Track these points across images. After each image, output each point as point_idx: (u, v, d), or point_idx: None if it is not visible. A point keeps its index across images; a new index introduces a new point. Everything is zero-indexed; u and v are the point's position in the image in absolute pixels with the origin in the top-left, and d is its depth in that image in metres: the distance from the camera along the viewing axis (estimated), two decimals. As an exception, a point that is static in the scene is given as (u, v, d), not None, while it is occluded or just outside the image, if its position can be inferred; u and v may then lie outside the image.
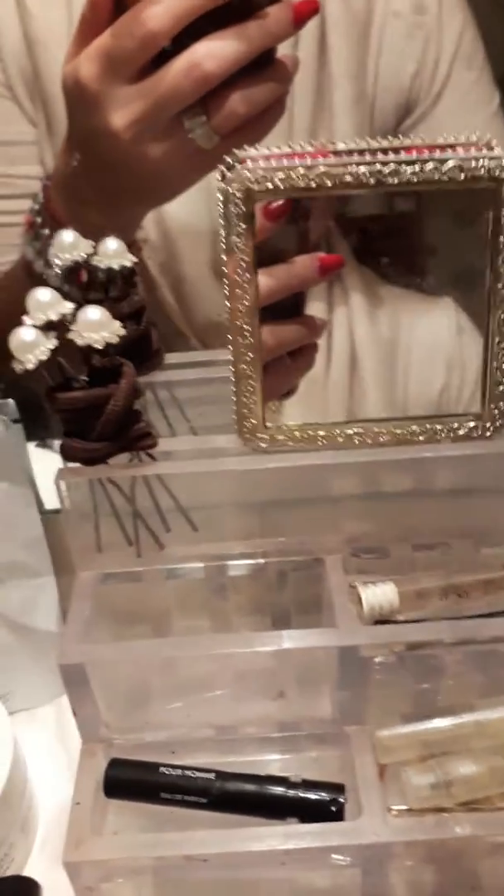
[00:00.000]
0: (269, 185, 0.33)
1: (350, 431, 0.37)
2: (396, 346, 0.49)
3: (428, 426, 0.37)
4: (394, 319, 0.50)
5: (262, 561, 0.42)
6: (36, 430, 0.57)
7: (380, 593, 0.37)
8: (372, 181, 0.33)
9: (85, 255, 0.39)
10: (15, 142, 0.56)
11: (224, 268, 0.35)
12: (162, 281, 0.56)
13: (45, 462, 0.43)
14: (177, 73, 0.38)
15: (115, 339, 0.34)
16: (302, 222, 0.37)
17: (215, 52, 0.38)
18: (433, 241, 0.38)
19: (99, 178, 0.44)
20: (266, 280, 0.36)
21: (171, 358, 0.45)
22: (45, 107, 0.55)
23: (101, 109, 0.41)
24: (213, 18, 0.37)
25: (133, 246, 0.50)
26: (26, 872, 0.41)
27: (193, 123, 0.40)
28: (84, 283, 0.40)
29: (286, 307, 0.38)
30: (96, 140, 0.42)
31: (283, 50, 0.41)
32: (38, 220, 0.48)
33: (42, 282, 0.45)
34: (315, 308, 0.41)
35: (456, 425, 0.37)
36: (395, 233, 0.38)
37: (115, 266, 0.39)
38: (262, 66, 0.39)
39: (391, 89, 0.56)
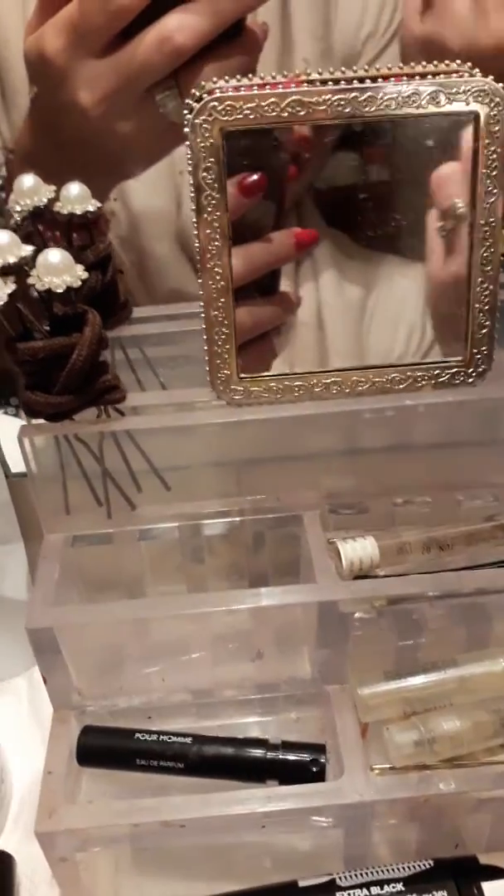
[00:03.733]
0: (239, 116, 0.31)
1: (328, 381, 0.36)
2: (363, 308, 0.49)
3: (409, 373, 0.35)
4: (362, 281, 0.49)
5: (237, 520, 0.41)
6: (4, 396, 0.55)
7: (359, 548, 0.36)
8: (347, 110, 0.31)
9: (46, 201, 0.37)
10: None
11: (192, 207, 0.33)
12: (124, 257, 0.55)
13: (13, 428, 0.42)
14: (148, 47, 0.37)
15: (77, 283, 0.32)
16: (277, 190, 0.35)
17: (186, 24, 0.37)
18: (401, 220, 0.37)
19: (65, 152, 0.42)
20: (241, 260, 0.35)
21: (139, 312, 0.43)
22: (1, 73, 0.53)
23: (67, 84, 0.39)
24: None
25: (101, 219, 0.49)
26: (0, 846, 0.40)
27: (165, 98, 0.39)
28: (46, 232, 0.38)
29: (262, 286, 0.37)
30: (63, 116, 0.41)
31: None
32: (2, 195, 0.47)
33: None
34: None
35: (437, 371, 0.35)
36: (369, 202, 0.37)
37: (79, 211, 0.37)
38: (232, 36, 0.38)
39: (344, 51, 0.55)
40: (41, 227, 0.38)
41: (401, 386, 0.36)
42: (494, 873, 0.34)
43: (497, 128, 0.31)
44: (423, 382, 0.36)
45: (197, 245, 0.33)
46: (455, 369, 0.36)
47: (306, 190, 0.37)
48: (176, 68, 0.38)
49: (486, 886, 0.33)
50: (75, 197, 0.38)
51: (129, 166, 0.44)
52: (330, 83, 0.31)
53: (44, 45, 0.39)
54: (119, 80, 0.38)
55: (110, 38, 0.38)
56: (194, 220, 0.33)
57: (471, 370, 0.36)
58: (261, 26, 0.40)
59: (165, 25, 0.37)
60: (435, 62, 0.32)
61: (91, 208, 0.38)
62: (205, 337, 0.35)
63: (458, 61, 0.32)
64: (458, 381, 0.36)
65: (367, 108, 0.31)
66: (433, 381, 0.36)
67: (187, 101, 0.32)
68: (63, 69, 0.39)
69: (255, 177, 0.34)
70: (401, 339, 0.45)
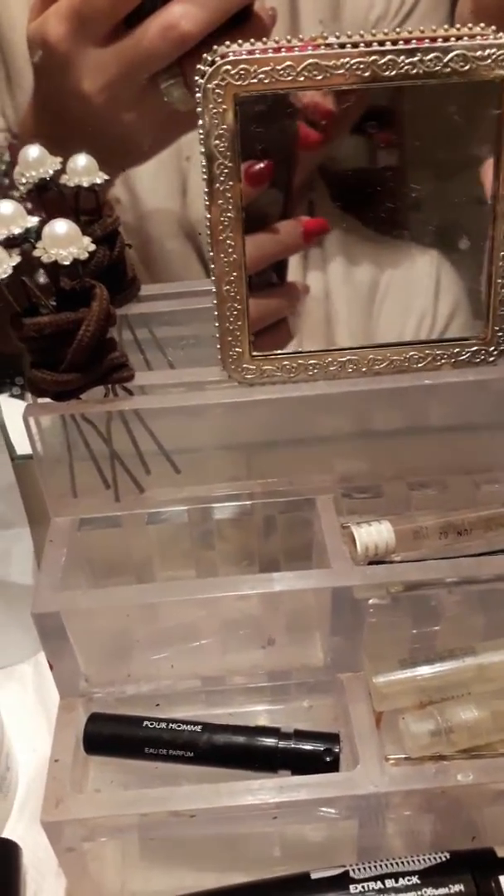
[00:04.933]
0: (253, 81, 0.30)
1: (343, 359, 0.35)
2: (373, 291, 0.48)
3: (427, 351, 0.34)
4: (372, 266, 0.48)
5: (248, 503, 0.40)
6: (9, 380, 0.55)
7: (374, 532, 0.35)
8: (366, 74, 0.29)
9: (52, 172, 0.36)
10: None
11: (204, 176, 0.32)
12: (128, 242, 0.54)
13: (17, 410, 0.41)
14: (153, 35, 0.36)
15: (83, 256, 0.31)
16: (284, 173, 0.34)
17: (192, 11, 0.36)
18: (419, 194, 0.36)
19: (69, 140, 0.41)
20: (248, 250, 0.34)
21: (147, 290, 0.42)
22: (4, 55, 0.52)
23: (71, 72, 0.39)
24: None
25: (105, 206, 0.48)
26: (5, 835, 0.39)
27: (169, 86, 0.38)
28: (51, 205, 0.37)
29: (269, 276, 0.36)
30: (66, 103, 0.40)
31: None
32: (6, 181, 0.46)
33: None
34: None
35: (457, 350, 0.34)
36: (378, 186, 0.36)
37: (86, 184, 0.36)
38: (239, 23, 0.37)
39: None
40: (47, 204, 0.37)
41: (419, 364, 0.35)
42: (513, 866, 0.33)
43: (523, 94, 0.30)
44: (443, 361, 0.34)
45: (208, 217, 0.32)
46: (475, 347, 0.34)
47: (318, 168, 0.35)
48: (181, 56, 0.37)
49: (504, 880, 0.32)
50: (83, 168, 0.36)
51: (134, 154, 0.43)
52: (349, 46, 0.30)
53: (46, 30, 0.38)
54: (123, 68, 0.38)
55: (114, 25, 0.37)
56: (205, 189, 0.32)
57: (492, 348, 0.34)
58: (268, 12, 0.39)
59: (171, 12, 0.36)
60: (458, 25, 0.30)
61: (98, 181, 0.37)
62: (216, 313, 0.34)
63: (482, 24, 0.31)
64: (478, 360, 0.35)
65: (387, 73, 0.30)
66: (452, 360, 0.34)
67: (199, 66, 0.31)
68: (66, 56, 0.38)
69: (261, 165, 0.33)
70: (412, 323, 0.44)
